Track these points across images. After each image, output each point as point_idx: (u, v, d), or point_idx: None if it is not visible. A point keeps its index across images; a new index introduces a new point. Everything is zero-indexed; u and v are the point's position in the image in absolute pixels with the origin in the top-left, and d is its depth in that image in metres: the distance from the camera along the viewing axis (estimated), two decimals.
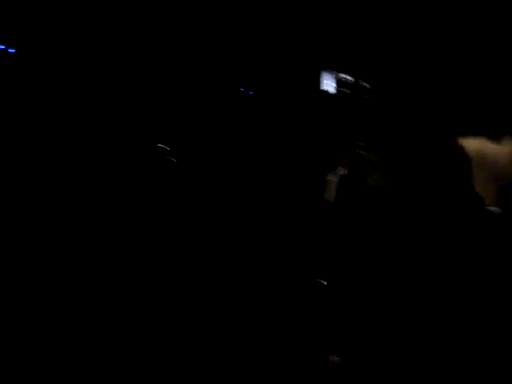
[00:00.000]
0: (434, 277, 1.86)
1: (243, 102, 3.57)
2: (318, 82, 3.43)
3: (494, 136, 1.97)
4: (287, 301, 2.65)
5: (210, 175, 3.35)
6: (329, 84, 3.39)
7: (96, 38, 3.39)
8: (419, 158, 2.20)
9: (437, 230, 1.96)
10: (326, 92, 3.40)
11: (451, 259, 1.83)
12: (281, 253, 3.00)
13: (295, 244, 2.96)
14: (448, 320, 1.77)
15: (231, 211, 3.20)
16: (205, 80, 3.54)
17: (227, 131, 3.51)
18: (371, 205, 2.33)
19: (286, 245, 3.02)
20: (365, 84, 3.22)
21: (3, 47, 3.27)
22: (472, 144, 1.94)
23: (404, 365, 1.80)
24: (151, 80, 3.44)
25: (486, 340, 1.65)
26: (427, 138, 2.35)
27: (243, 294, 2.82)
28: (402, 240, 2.05)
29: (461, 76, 2.60)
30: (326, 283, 2.29)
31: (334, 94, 3.34)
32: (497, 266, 1.76)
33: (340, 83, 3.29)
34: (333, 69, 3.35)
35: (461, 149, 1.90)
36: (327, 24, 3.45)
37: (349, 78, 3.32)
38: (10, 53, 3.32)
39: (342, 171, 2.63)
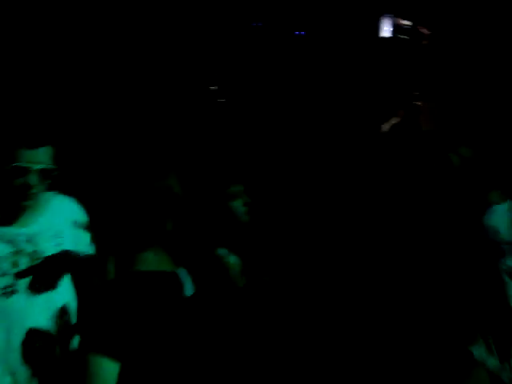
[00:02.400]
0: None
1: (297, 44, 3.54)
2: (376, 28, 3.32)
3: None
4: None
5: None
6: (386, 30, 3.28)
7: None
8: (476, 108, 2.13)
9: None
10: (384, 38, 3.29)
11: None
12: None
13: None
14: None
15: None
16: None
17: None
18: (424, 152, 2.28)
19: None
20: (423, 30, 3.10)
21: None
22: None
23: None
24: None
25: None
26: (487, 88, 2.26)
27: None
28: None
29: None
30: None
31: (392, 40, 3.23)
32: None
33: (397, 29, 3.18)
34: (390, 14, 3.24)
35: None
36: None
37: (406, 23, 3.20)
38: None
39: (396, 120, 2.58)
